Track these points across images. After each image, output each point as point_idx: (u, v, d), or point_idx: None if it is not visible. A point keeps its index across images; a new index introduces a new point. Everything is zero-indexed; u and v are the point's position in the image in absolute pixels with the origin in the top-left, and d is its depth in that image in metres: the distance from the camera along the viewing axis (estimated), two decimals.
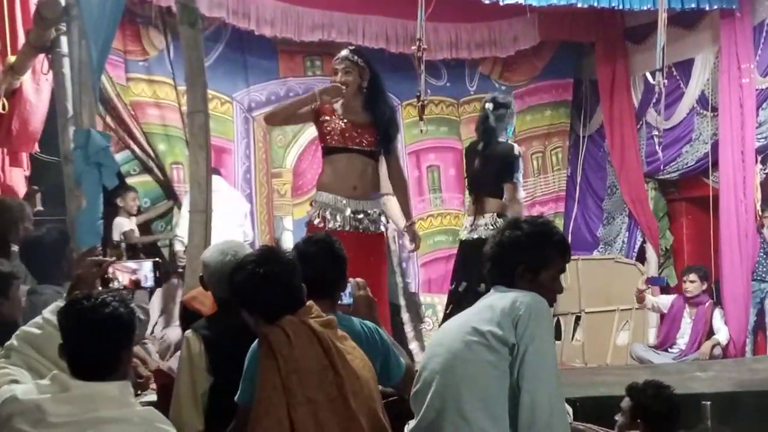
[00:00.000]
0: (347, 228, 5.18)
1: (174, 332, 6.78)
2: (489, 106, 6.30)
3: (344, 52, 5.39)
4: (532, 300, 2.94)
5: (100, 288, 3.19)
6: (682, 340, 8.03)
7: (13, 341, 2.98)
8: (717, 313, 8.04)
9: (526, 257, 3.06)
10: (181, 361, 3.48)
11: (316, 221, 5.24)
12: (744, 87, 8.17)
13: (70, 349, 2.62)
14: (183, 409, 3.39)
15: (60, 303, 2.88)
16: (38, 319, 3.02)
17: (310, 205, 5.48)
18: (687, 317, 8.09)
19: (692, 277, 8.11)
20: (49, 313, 2.95)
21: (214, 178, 5.73)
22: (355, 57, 5.34)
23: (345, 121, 5.28)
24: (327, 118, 5.31)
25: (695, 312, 8.05)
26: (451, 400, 2.94)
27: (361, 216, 5.24)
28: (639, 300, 8.17)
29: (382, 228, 5.40)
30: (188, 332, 3.50)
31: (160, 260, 3.46)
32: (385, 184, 5.67)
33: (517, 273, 3.05)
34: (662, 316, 8.45)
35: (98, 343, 2.59)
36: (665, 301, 8.31)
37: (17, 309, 3.89)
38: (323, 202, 5.27)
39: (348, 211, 5.22)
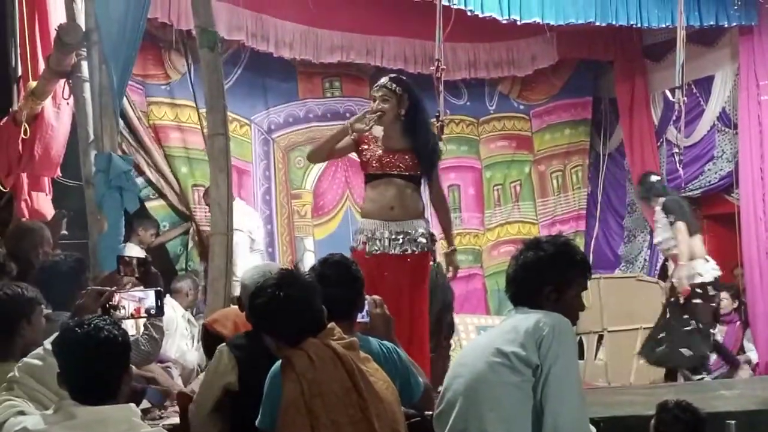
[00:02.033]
0: (387, 251, 5.11)
1: (192, 356, 6.76)
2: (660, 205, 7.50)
3: (383, 80, 5.30)
4: (555, 320, 2.93)
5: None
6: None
7: (15, 373, 2.95)
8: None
9: (550, 278, 3.07)
10: (209, 373, 3.50)
11: (359, 247, 5.18)
12: (762, 104, 8.15)
13: (70, 376, 2.62)
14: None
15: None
16: (39, 350, 3.01)
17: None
18: (717, 335, 8.00)
19: (723, 294, 8.04)
20: (50, 343, 2.95)
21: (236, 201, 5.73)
22: (393, 85, 5.22)
23: (383, 148, 5.21)
24: (366, 146, 5.26)
25: (725, 330, 7.98)
26: (474, 421, 2.93)
27: (401, 238, 5.14)
28: None
29: (426, 248, 5.24)
30: (223, 346, 3.49)
31: (162, 289, 3.46)
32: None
33: (544, 294, 3.05)
34: None
35: (98, 368, 2.60)
36: None
37: (39, 334, 3.89)
38: (365, 228, 5.21)
39: (387, 234, 5.13)
